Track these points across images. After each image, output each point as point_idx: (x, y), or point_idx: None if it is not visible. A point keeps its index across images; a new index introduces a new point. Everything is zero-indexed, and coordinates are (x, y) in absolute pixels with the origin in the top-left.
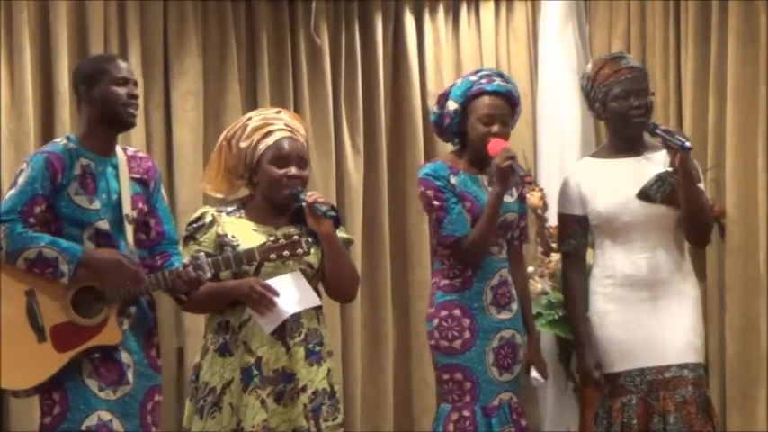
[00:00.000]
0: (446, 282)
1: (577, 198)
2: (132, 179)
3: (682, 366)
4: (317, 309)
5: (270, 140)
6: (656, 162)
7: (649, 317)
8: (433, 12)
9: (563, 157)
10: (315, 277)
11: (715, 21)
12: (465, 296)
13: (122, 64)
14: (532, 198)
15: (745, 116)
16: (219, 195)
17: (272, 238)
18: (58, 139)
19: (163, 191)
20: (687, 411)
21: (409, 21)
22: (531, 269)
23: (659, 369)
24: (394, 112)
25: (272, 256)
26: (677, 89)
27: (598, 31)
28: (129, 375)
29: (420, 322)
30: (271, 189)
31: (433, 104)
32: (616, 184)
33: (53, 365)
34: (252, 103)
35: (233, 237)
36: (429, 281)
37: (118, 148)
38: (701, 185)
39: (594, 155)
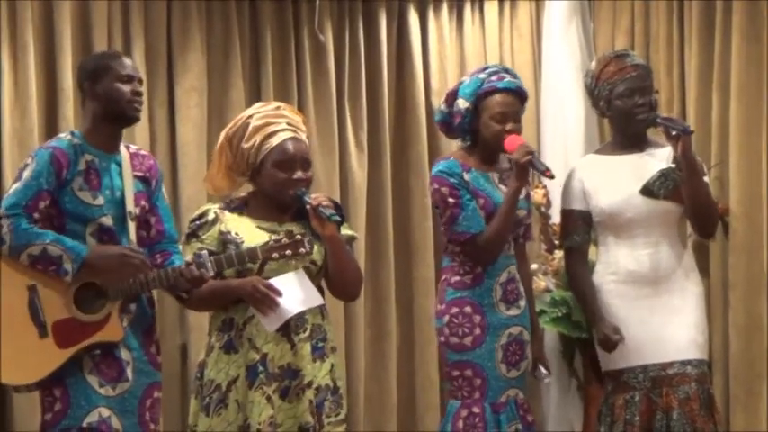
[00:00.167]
0: (457, 278)
1: (581, 194)
2: (135, 177)
3: (685, 363)
4: (321, 305)
5: (273, 142)
6: (660, 158)
7: (652, 313)
8: (437, 9)
9: (567, 154)
10: (318, 274)
11: (719, 19)
12: (476, 293)
13: (127, 61)
14: (536, 195)
15: (748, 114)
16: (223, 193)
17: (274, 238)
18: (62, 135)
19: (163, 190)
20: (690, 408)
21: (413, 18)
22: (534, 266)
23: (662, 366)
24: (398, 109)
25: (275, 255)
26: (681, 86)
27: (602, 29)
28: (129, 372)
29: (424, 319)
30: (275, 191)
31: (438, 102)
32: (619, 181)
33: (55, 361)
34: (256, 100)
35: (236, 234)
36: (433, 278)
37: (121, 146)
38: (706, 179)
39: (598, 151)
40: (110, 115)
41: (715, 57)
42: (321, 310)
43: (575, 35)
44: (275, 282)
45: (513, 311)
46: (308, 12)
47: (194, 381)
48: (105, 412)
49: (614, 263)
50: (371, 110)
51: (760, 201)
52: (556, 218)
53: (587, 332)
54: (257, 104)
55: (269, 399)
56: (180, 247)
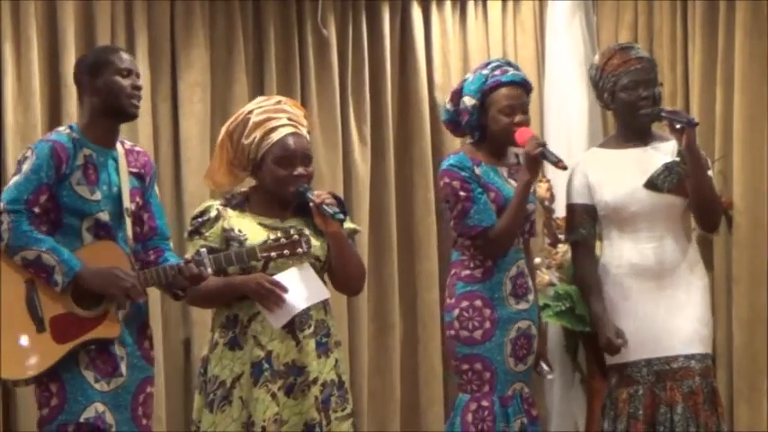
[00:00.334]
0: (467, 272)
1: (585, 188)
2: (130, 173)
3: (689, 357)
4: (324, 300)
5: (274, 137)
6: (664, 152)
7: (656, 307)
8: (441, 4)
9: (570, 148)
10: (321, 270)
11: (722, 14)
12: (486, 287)
13: (125, 55)
14: (540, 189)
15: (752, 109)
16: (224, 189)
17: (272, 237)
18: (60, 128)
19: (156, 187)
20: (694, 402)
21: (416, 13)
22: (538, 260)
23: (666, 359)
24: (401, 103)
25: (273, 254)
26: (684, 82)
27: (605, 24)
28: (123, 367)
29: (427, 314)
30: (276, 187)
31: (441, 96)
32: (623, 174)
33: (52, 356)
34: (259, 94)
35: (239, 231)
36: (436, 272)
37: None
38: (710, 173)
39: (602, 145)
40: (109, 109)
41: (718, 52)
42: (324, 305)
43: (578, 30)
44: (280, 278)
45: (523, 306)
46: (310, 6)
47: (198, 376)
48: (100, 407)
49: (618, 256)
50: (375, 104)
51: (763, 195)
52: (559, 212)
53: (591, 326)
54: (258, 99)
55: (274, 396)
56: (170, 243)
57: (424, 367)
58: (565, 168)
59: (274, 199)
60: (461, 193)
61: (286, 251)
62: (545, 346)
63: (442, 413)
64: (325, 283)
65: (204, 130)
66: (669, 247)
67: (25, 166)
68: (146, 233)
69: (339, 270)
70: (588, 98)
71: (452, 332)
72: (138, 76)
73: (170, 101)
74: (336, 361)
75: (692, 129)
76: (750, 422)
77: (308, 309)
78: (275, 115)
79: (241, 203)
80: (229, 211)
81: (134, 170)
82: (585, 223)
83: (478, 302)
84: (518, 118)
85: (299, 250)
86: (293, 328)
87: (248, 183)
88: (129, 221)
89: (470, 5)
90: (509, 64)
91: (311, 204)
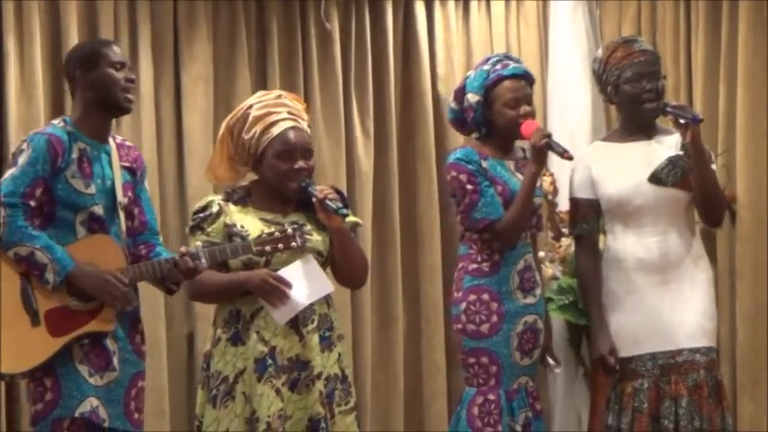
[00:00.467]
0: (474, 266)
1: (588, 182)
2: (122, 167)
3: (694, 351)
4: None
5: (274, 131)
6: (667, 145)
7: (661, 301)
8: None
9: (574, 142)
10: (324, 264)
11: (725, 8)
12: (493, 280)
13: (117, 48)
14: (543, 183)
15: (755, 103)
16: (225, 183)
17: (267, 231)
18: (55, 121)
19: (146, 182)
20: (699, 395)
21: (419, 6)
22: (541, 254)
23: (671, 353)
24: (404, 97)
25: (267, 248)
26: (688, 75)
27: (608, 18)
28: (115, 362)
29: (430, 307)
30: (277, 182)
31: (444, 90)
32: (627, 168)
33: (47, 350)
34: (262, 88)
35: (241, 227)
36: (440, 266)
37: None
38: (713, 167)
39: (605, 138)
40: (103, 103)
41: (722, 46)
42: (327, 298)
43: (581, 24)
44: (284, 272)
45: (530, 300)
46: (314, 0)
47: (201, 371)
48: (95, 402)
49: (623, 250)
50: (378, 98)
51: (766, 189)
52: (562, 205)
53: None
54: (258, 93)
55: (278, 392)
56: (160, 238)
57: (427, 361)
58: (571, 158)
59: (276, 194)
60: (468, 187)
61: (280, 245)
62: (551, 341)
63: (445, 406)
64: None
65: (207, 124)
66: (674, 241)
67: (21, 159)
68: (136, 228)
69: (342, 264)
70: (591, 92)
71: (459, 326)
72: (130, 69)
73: (173, 94)
74: (339, 355)
75: (697, 124)
76: (753, 416)
77: (312, 303)
78: (275, 109)
79: (243, 198)
80: (231, 207)
81: (126, 164)
82: (589, 217)
83: (486, 296)
84: (523, 110)
85: (293, 244)
86: (296, 323)
87: (249, 177)
88: (122, 215)
89: None
90: (509, 57)
91: (314, 199)
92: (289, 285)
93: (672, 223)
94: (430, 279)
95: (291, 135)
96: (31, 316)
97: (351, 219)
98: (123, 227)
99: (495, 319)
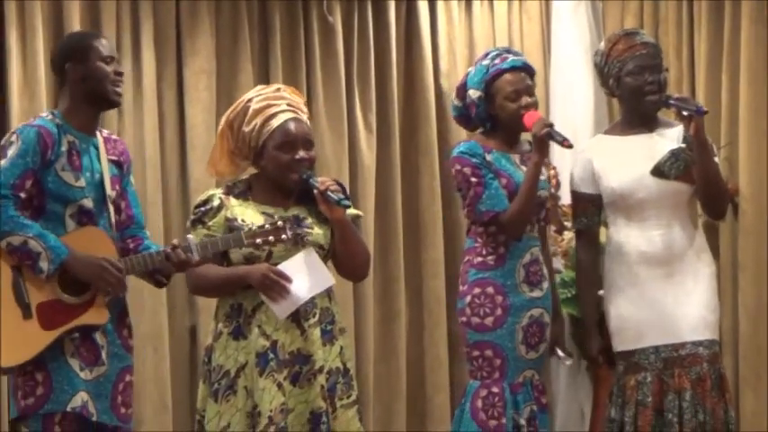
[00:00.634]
0: (480, 259)
1: (590, 175)
2: (109, 160)
3: (697, 344)
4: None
5: (274, 123)
6: (670, 138)
7: (664, 294)
8: None
9: (576, 135)
10: (325, 257)
11: (728, 2)
12: (498, 274)
13: (105, 41)
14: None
15: (758, 96)
16: (226, 177)
17: (257, 224)
18: (43, 114)
19: (132, 176)
20: (702, 388)
21: (422, 1)
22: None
23: (674, 346)
24: (407, 91)
25: (258, 241)
26: (690, 68)
27: (611, 11)
28: (104, 356)
29: (433, 301)
30: (279, 174)
31: (446, 85)
32: (629, 161)
33: (39, 343)
34: (264, 82)
35: (242, 221)
36: (442, 260)
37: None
38: (716, 160)
39: (607, 132)
40: (92, 96)
41: (724, 39)
42: (328, 292)
43: (584, 18)
44: (284, 266)
45: (536, 293)
46: None
47: (202, 365)
48: (85, 396)
49: (626, 244)
50: (380, 92)
51: None
52: (565, 199)
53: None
54: (257, 87)
55: (280, 386)
56: (147, 232)
57: (429, 354)
58: (571, 146)
59: (276, 187)
60: (473, 179)
61: (271, 237)
62: (562, 334)
63: (447, 400)
64: (329, 269)
65: (210, 118)
66: (677, 234)
67: (11, 151)
68: (123, 221)
69: (344, 256)
70: (594, 86)
71: (464, 318)
72: (119, 62)
73: (175, 88)
74: (341, 348)
75: (701, 116)
76: (755, 409)
77: (313, 297)
78: (275, 102)
79: (244, 192)
80: (232, 200)
81: (113, 158)
82: (589, 211)
83: (490, 289)
84: (524, 101)
85: (284, 236)
86: (298, 317)
87: (250, 171)
88: (111, 209)
89: None
90: (508, 51)
91: (315, 191)
92: (289, 280)
93: (675, 216)
94: (432, 273)
95: (292, 126)
96: (23, 309)
97: (352, 211)
98: (113, 220)
99: (499, 312)
